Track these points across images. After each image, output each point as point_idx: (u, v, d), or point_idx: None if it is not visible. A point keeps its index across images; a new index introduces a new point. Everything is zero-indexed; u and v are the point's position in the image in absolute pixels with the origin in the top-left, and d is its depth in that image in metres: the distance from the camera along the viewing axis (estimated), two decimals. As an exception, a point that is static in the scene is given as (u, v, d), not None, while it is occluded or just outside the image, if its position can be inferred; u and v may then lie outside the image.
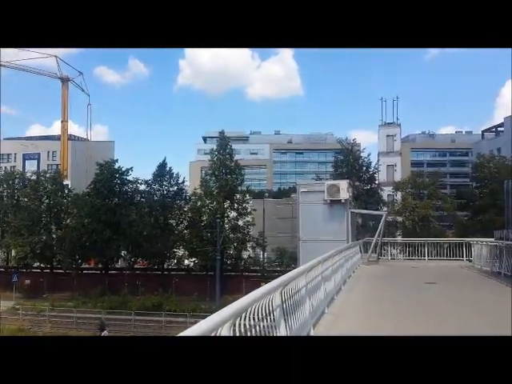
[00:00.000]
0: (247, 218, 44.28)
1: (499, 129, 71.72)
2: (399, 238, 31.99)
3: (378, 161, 49.61)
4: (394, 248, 24.90)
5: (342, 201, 20.94)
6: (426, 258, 22.10)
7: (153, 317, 36.11)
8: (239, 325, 3.35)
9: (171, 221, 44.95)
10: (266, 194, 65.91)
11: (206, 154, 57.27)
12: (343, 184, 21.51)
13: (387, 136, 55.02)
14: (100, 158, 48.01)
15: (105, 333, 16.28)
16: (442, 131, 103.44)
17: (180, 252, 44.62)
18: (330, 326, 7.26)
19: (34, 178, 51.80)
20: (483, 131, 78.69)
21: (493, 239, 17.36)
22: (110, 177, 44.63)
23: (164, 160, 46.46)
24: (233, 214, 43.87)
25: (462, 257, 21.27)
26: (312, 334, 6.46)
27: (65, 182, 52.92)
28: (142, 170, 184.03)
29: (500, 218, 29.74)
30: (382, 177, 50.02)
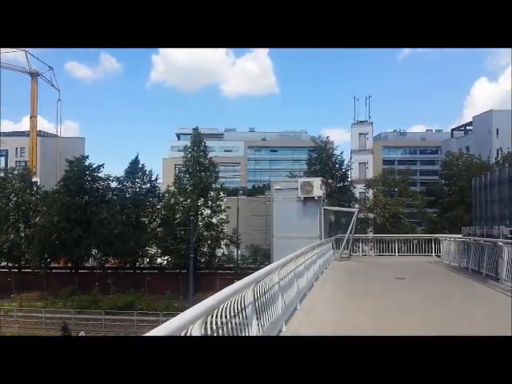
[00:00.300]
0: (221, 216, 44.17)
1: (468, 127, 73.72)
2: (370, 235, 32.50)
3: (350, 158, 50.36)
4: (365, 244, 25.32)
5: (315, 198, 21.14)
6: (397, 253, 22.56)
7: (124, 316, 35.64)
8: (211, 323, 3.32)
9: (144, 219, 44.39)
10: (241, 192, 65.82)
11: (179, 150, 56.78)
12: (316, 181, 21.72)
13: (360, 134, 55.89)
14: (70, 155, 46.89)
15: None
16: (413, 129, 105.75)
17: (152, 250, 44.09)
18: (302, 322, 7.31)
19: (1, 175, 50.19)
20: (452, 130, 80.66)
21: (461, 235, 17.86)
22: (80, 174, 43.66)
23: (136, 157, 45.87)
24: (207, 211, 43.67)
25: (431, 252, 21.79)
26: (284, 330, 6.49)
27: (33, 179, 51.51)
28: (113, 167, 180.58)
29: (468, 214, 30.68)
30: (354, 174, 50.79)
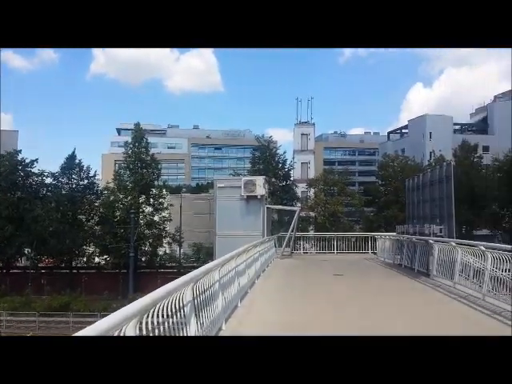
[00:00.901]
0: (163, 214, 43.39)
1: (404, 131, 77.20)
2: (311, 233, 33.26)
3: (293, 158, 51.30)
4: (306, 242, 25.87)
5: (258, 196, 21.30)
6: (336, 251, 23.25)
7: (60, 318, 34.17)
8: (146, 323, 3.24)
9: (81, 216, 42.68)
10: (184, 189, 65.08)
11: (120, 146, 55.08)
12: (259, 180, 21.88)
13: (302, 134, 57.05)
14: (1, 149, 44.13)
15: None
16: (353, 131, 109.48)
17: (90, 249, 42.54)
18: (242, 320, 7.34)
19: None
20: (389, 132, 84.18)
21: (395, 233, 18.68)
22: (12, 169, 41.31)
23: (73, 152, 43.97)
24: (148, 209, 42.73)
25: (368, 250, 22.66)
26: (224, 328, 6.48)
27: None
28: (49, 163, 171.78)
29: (402, 213, 32.16)
30: (296, 174, 51.79)
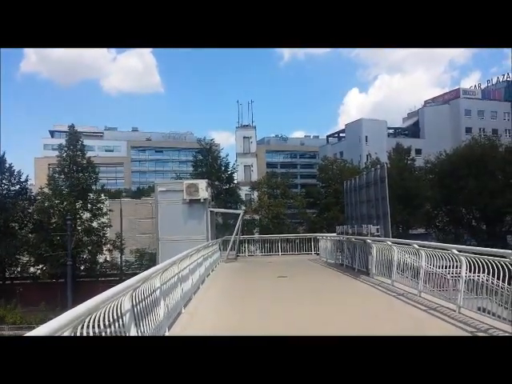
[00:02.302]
0: (102, 220, 41.88)
1: (341, 134, 79.75)
2: (256, 235, 33.42)
3: (235, 161, 51.37)
4: (252, 245, 25.94)
5: (201, 200, 21.09)
6: (280, 253, 23.52)
7: (-7, 331, 32.17)
8: (81, 333, 3.07)
9: (13, 224, 40.30)
10: (124, 194, 63.24)
11: (54, 149, 52.60)
12: (202, 183, 21.66)
13: (244, 137, 57.21)
14: None
15: None
16: (294, 135, 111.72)
17: (25, 258, 40.23)
18: (186, 326, 7.20)
19: None
20: (328, 136, 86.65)
21: (335, 234, 19.17)
22: None
23: (3, 155, 41.52)
24: (86, 215, 41.06)
25: (311, 250, 23.12)
26: (167, 335, 6.31)
27: None
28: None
29: (342, 214, 33.03)
30: (240, 176, 51.88)
